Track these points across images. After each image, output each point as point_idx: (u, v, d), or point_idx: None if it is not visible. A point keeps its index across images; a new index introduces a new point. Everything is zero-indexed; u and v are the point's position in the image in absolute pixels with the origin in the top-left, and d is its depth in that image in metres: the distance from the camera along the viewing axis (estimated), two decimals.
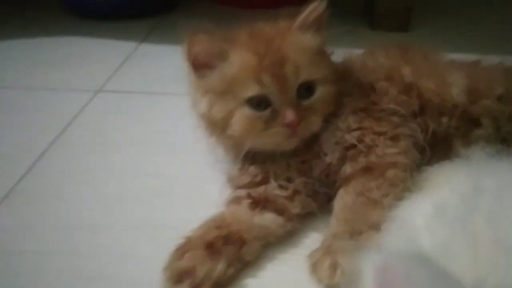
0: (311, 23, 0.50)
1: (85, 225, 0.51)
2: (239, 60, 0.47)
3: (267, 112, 0.47)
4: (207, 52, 0.48)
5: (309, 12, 0.50)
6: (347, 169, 0.48)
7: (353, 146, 0.48)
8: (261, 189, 0.50)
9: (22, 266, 0.46)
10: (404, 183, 0.46)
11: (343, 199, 0.47)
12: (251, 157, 0.51)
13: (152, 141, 0.67)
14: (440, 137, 0.51)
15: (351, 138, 0.48)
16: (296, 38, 0.49)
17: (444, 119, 0.51)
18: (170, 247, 0.44)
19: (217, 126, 0.50)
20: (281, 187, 0.50)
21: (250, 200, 0.48)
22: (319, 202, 0.51)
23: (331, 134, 0.49)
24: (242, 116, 0.48)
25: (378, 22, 1.09)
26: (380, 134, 0.48)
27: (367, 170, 0.47)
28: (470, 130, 0.52)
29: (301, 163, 0.50)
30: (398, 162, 0.47)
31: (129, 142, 0.66)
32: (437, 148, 0.51)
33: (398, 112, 0.50)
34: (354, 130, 0.49)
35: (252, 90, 0.47)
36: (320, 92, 0.49)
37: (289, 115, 0.46)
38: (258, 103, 0.47)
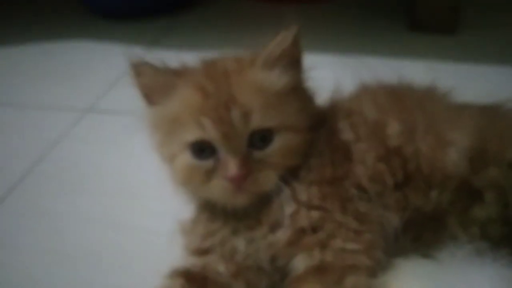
0: (278, 58, 0.43)
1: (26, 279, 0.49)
2: (182, 97, 0.42)
3: (209, 162, 0.41)
4: (151, 85, 0.43)
5: (275, 45, 0.43)
6: (300, 264, 0.40)
7: (309, 232, 0.40)
8: (202, 262, 0.43)
9: None
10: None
11: None
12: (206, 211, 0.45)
13: (125, 183, 0.62)
14: (429, 214, 0.42)
15: (309, 219, 0.40)
16: (253, 77, 0.42)
17: (434, 193, 0.41)
18: None
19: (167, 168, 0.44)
20: (225, 259, 0.43)
21: (182, 281, 0.42)
22: (269, 279, 0.43)
23: (286, 200, 0.41)
24: (182, 163, 0.42)
25: (420, 23, 0.95)
26: (342, 224, 0.40)
27: (321, 271, 0.39)
28: (469, 206, 0.41)
29: (249, 229, 0.43)
30: (358, 265, 0.39)
31: (100, 183, 0.62)
32: (426, 227, 0.42)
33: (371, 191, 0.41)
34: (314, 208, 0.41)
35: (192, 134, 0.41)
36: (279, 142, 0.41)
37: (231, 167, 0.40)
38: (201, 149, 0.41)
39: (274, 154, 0.41)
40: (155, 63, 0.43)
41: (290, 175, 0.42)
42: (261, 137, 0.41)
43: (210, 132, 0.40)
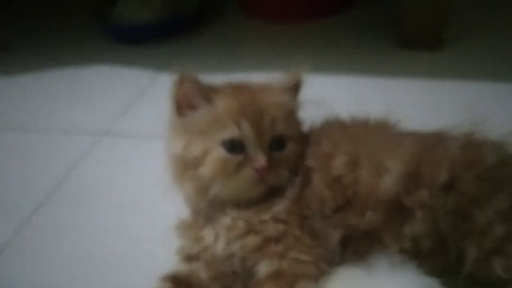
0: (292, 87, 0.58)
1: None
2: (223, 103, 0.53)
3: (240, 156, 0.52)
4: (195, 92, 0.54)
5: (291, 76, 0.58)
6: (262, 269, 0.50)
7: (273, 242, 0.50)
8: (188, 268, 0.54)
9: None
10: None
11: None
12: (205, 214, 0.55)
13: (135, 199, 0.73)
14: (365, 230, 0.51)
15: (276, 230, 0.51)
16: (276, 96, 0.56)
17: (368, 214, 0.50)
18: None
19: (188, 166, 0.54)
20: (207, 265, 0.54)
21: (171, 284, 0.53)
22: (241, 283, 0.53)
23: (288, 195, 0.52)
24: (216, 156, 0.52)
25: (408, 40, 1.03)
26: (299, 239, 0.50)
27: (276, 276, 0.49)
28: (402, 222, 0.50)
29: (228, 230, 0.53)
30: (307, 274, 0.49)
31: (113, 200, 0.74)
32: (364, 241, 0.51)
33: (320, 211, 0.51)
34: (281, 221, 0.51)
35: (230, 132, 0.52)
36: (290, 148, 0.55)
37: (260, 159, 0.52)
38: (233, 146, 0.52)
39: (286, 156, 0.54)
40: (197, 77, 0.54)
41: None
42: (278, 142, 0.54)
43: (247, 131, 0.52)
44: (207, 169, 0.52)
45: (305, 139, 0.57)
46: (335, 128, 0.57)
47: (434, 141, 0.54)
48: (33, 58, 1.25)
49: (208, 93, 0.54)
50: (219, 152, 0.52)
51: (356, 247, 0.51)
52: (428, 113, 0.83)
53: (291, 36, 1.21)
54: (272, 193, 0.53)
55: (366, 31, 1.16)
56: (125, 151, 0.86)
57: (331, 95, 0.93)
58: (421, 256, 0.50)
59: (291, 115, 0.56)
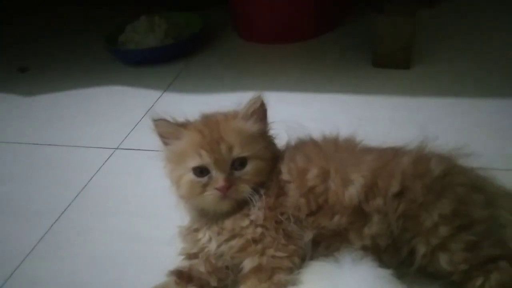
0: (252, 113, 0.62)
1: (81, 283, 0.67)
2: (187, 138, 0.61)
3: (205, 179, 0.60)
4: (166, 132, 0.63)
5: (249, 105, 0.62)
6: (246, 265, 0.58)
7: (254, 243, 0.57)
8: (189, 264, 0.62)
9: None
10: (286, 284, 0.55)
11: None
12: (198, 222, 0.63)
13: (145, 204, 0.80)
14: (334, 231, 0.58)
15: (255, 233, 0.58)
16: (235, 124, 0.61)
17: (336, 218, 0.58)
18: None
19: (174, 187, 0.63)
20: (205, 261, 0.61)
21: (175, 278, 0.61)
22: (233, 275, 0.61)
23: (254, 209, 0.59)
24: (186, 180, 0.61)
25: (381, 60, 1.10)
26: (275, 239, 0.57)
27: (258, 270, 0.57)
28: (363, 224, 0.57)
29: (218, 235, 0.60)
30: (283, 267, 0.56)
31: (127, 205, 0.81)
32: (334, 239, 0.58)
33: (295, 216, 0.58)
34: (259, 226, 0.58)
35: (194, 161, 0.60)
36: (250, 166, 0.60)
37: (220, 180, 0.59)
38: (200, 171, 0.60)
39: (247, 173, 0.60)
40: (167, 118, 0.62)
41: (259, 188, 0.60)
42: (240, 163, 0.60)
43: (206, 159, 0.59)
44: (181, 190, 0.62)
45: (276, 154, 0.64)
46: (309, 145, 0.64)
47: (390, 156, 0.61)
48: (50, 79, 1.33)
49: (176, 131, 0.61)
50: (189, 177, 0.60)
51: (327, 245, 0.59)
52: (392, 127, 0.90)
53: (277, 56, 1.29)
54: (243, 204, 0.60)
55: (345, 52, 1.23)
56: (134, 162, 0.93)
57: (312, 113, 0.99)
58: (379, 252, 0.57)
59: (251, 137, 0.61)
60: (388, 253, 0.58)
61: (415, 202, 0.57)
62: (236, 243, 0.59)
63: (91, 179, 0.90)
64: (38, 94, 1.25)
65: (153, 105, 1.12)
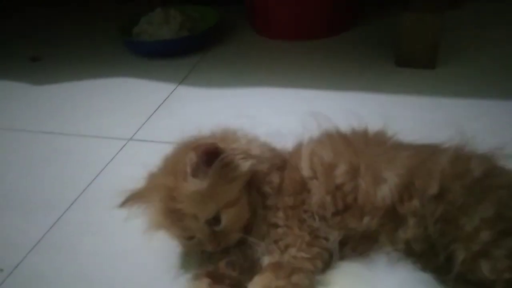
0: (194, 170, 0.53)
1: (87, 278, 0.64)
2: (151, 218, 0.59)
3: (194, 240, 0.57)
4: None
5: (186, 164, 0.54)
6: (266, 260, 0.54)
7: (276, 241, 0.54)
8: (215, 266, 0.58)
9: None
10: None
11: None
12: None
13: None
14: (362, 233, 0.53)
15: (275, 235, 0.54)
16: (186, 189, 0.53)
17: (366, 219, 0.53)
18: None
19: None
20: (231, 264, 0.57)
21: (208, 279, 0.56)
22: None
23: (265, 232, 0.56)
24: (180, 244, 0.61)
25: (404, 59, 1.06)
26: (299, 237, 0.53)
27: (277, 266, 0.52)
28: (396, 227, 0.53)
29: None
30: (303, 269, 0.52)
31: None
32: (360, 241, 0.54)
33: (319, 215, 0.54)
34: (280, 226, 0.54)
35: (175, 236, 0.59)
36: (225, 217, 0.55)
37: (208, 246, 0.56)
38: (188, 238, 0.58)
39: (227, 225, 0.55)
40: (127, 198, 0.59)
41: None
42: (214, 221, 0.55)
43: (181, 239, 0.58)
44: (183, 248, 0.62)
45: (285, 159, 0.59)
46: (336, 139, 0.59)
47: (427, 154, 0.56)
48: (63, 69, 1.29)
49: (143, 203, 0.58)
50: (182, 242, 0.60)
51: (354, 247, 0.54)
52: (420, 127, 0.85)
53: (296, 53, 1.24)
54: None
55: (366, 50, 1.19)
56: (146, 155, 0.88)
57: (331, 110, 0.96)
58: (413, 257, 0.52)
59: (210, 190, 0.53)
60: (422, 258, 0.53)
61: (454, 204, 0.52)
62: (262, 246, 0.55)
63: (102, 170, 0.86)
64: (49, 83, 1.21)
65: (167, 98, 1.08)
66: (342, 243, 0.54)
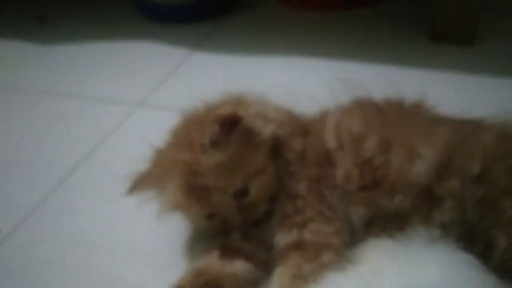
0: (211, 143, 0.49)
1: (88, 243, 0.61)
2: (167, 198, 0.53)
3: (219, 220, 0.53)
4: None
5: (205, 135, 0.50)
6: (281, 240, 0.49)
7: (291, 215, 0.49)
8: (226, 239, 0.53)
9: (29, 273, 0.57)
10: (335, 266, 0.46)
11: (280, 281, 0.47)
12: None
13: None
14: (392, 213, 0.49)
15: (293, 206, 0.50)
16: (209, 161, 0.49)
17: (398, 198, 0.48)
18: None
19: None
20: (245, 236, 0.53)
21: (218, 251, 0.52)
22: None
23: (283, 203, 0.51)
24: (201, 226, 0.56)
25: (440, 34, 0.99)
26: (319, 212, 0.48)
27: (301, 246, 0.47)
28: (430, 209, 0.48)
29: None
30: (332, 243, 0.47)
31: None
32: (392, 222, 0.49)
33: (344, 189, 0.49)
34: (300, 197, 0.50)
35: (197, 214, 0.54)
36: (254, 187, 0.51)
37: (238, 221, 0.51)
38: (210, 216, 0.53)
39: (256, 195, 0.51)
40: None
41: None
42: (241, 193, 0.51)
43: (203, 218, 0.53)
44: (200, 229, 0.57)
45: (307, 126, 0.55)
46: (368, 108, 0.54)
47: (469, 130, 0.51)
48: (71, 30, 1.24)
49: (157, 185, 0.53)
50: (198, 223, 0.55)
51: (383, 227, 0.49)
52: (458, 105, 0.79)
53: (323, 24, 1.17)
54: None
55: (398, 24, 1.12)
56: (157, 122, 0.84)
57: (362, 82, 0.90)
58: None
59: (233, 161, 0.49)
60: (459, 244, 0.47)
61: (497, 186, 0.47)
62: (275, 221, 0.51)
63: (109, 134, 0.82)
64: (56, 44, 1.17)
65: (182, 64, 1.03)
66: (369, 224, 0.49)
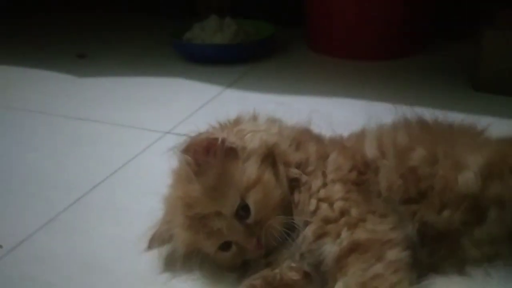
0: (194, 171, 0.48)
1: (97, 267, 0.55)
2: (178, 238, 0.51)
3: (233, 250, 0.48)
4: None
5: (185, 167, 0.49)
6: (332, 247, 0.42)
7: (334, 219, 0.43)
8: (274, 271, 0.46)
9: None
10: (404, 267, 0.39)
11: None
12: None
13: None
14: (443, 232, 0.43)
15: (332, 210, 0.44)
16: (195, 190, 0.47)
17: (446, 213, 0.43)
18: None
19: None
20: (292, 269, 0.46)
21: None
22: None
23: (303, 204, 0.46)
24: (220, 259, 0.50)
25: (483, 83, 0.95)
26: (369, 210, 0.43)
27: (358, 248, 0.41)
28: (477, 225, 0.43)
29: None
30: (394, 239, 0.41)
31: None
32: (441, 244, 0.43)
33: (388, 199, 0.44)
34: (337, 200, 0.44)
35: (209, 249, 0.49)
36: (252, 200, 0.46)
37: (249, 247, 0.46)
38: (223, 247, 0.49)
39: (257, 209, 0.46)
40: None
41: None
42: (243, 209, 0.46)
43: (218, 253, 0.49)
44: (223, 265, 0.51)
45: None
46: (414, 125, 0.51)
47: None
48: (108, 66, 1.27)
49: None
50: (217, 256, 0.50)
51: (431, 251, 0.43)
52: None
53: (355, 72, 1.16)
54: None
55: (437, 73, 1.09)
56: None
57: None
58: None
59: (222, 181, 0.46)
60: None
61: None
62: (308, 230, 0.44)
63: (133, 158, 0.78)
64: (93, 76, 1.20)
65: (212, 99, 1.02)
66: (418, 245, 0.43)
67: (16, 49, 1.41)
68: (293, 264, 0.46)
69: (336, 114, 0.89)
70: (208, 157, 0.47)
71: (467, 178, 0.44)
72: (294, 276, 0.45)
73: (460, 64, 1.10)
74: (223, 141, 0.47)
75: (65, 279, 0.53)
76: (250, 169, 0.47)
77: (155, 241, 0.52)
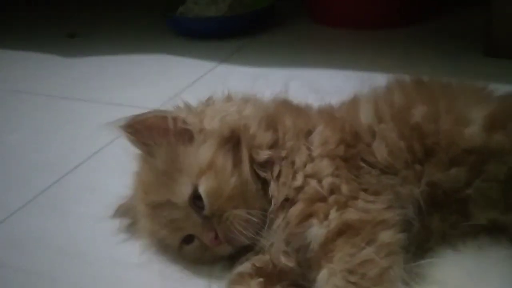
0: (145, 152, 0.46)
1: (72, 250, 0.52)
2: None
3: (196, 243, 0.44)
4: None
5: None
6: (319, 230, 0.37)
7: (323, 197, 0.38)
8: (265, 257, 0.42)
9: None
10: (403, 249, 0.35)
11: (331, 285, 0.35)
12: None
13: None
14: (450, 191, 0.39)
15: (320, 187, 0.39)
16: (146, 175, 0.46)
17: (453, 171, 0.39)
18: None
19: None
20: (285, 253, 0.41)
21: (260, 279, 0.41)
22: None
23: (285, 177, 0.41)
24: (185, 252, 0.46)
25: (495, 48, 0.88)
26: (360, 187, 0.38)
27: (348, 230, 0.36)
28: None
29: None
30: (388, 219, 0.36)
31: None
32: (449, 207, 0.39)
33: (390, 166, 0.40)
34: (325, 176, 0.39)
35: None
36: (204, 191, 0.42)
37: (204, 237, 0.42)
38: (185, 240, 0.45)
39: (210, 196, 0.41)
40: None
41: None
42: (198, 197, 0.42)
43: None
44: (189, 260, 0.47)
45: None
46: (409, 84, 0.46)
47: None
48: (98, 44, 1.23)
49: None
50: (184, 250, 0.45)
51: (443, 217, 0.39)
52: None
53: (361, 42, 1.10)
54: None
55: (452, 38, 1.03)
56: None
57: None
58: None
59: (173, 166, 0.43)
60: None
61: None
62: (294, 210, 0.39)
63: (119, 137, 0.75)
64: (83, 56, 1.15)
65: (205, 75, 0.97)
66: (429, 212, 0.38)
67: (4, 30, 1.37)
68: (285, 248, 0.41)
69: (342, 86, 0.84)
70: (152, 137, 0.44)
71: (473, 131, 0.40)
72: (289, 262, 0.40)
73: (471, 30, 1.03)
74: (175, 120, 0.43)
75: (38, 263, 0.50)
76: (203, 154, 0.42)
77: (119, 213, 0.51)
